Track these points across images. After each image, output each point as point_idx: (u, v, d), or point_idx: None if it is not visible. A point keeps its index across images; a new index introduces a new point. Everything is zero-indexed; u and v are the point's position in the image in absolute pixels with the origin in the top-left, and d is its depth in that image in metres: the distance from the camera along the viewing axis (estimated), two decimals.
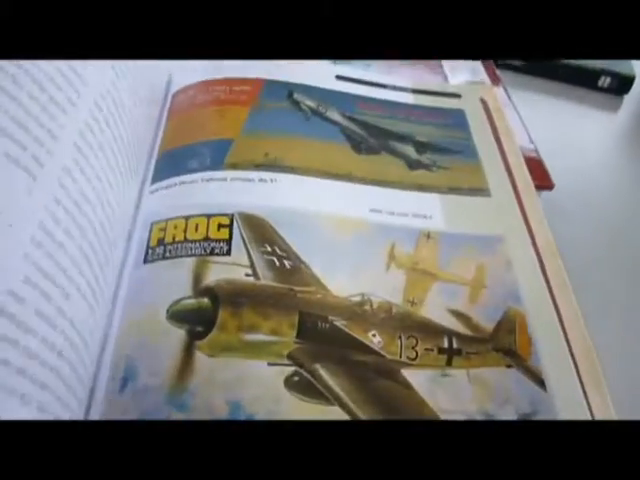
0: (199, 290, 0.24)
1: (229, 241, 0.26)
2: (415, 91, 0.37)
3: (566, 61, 0.49)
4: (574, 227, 0.35)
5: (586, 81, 0.49)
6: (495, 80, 0.43)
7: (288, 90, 0.34)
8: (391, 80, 0.37)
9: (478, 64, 0.45)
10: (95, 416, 0.21)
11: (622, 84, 0.48)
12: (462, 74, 0.44)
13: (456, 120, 0.35)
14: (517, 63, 0.50)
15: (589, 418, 0.23)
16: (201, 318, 0.23)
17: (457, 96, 0.37)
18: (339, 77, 0.36)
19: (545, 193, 0.35)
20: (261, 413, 0.21)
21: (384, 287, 0.26)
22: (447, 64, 0.45)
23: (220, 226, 0.26)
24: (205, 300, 0.23)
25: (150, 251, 0.25)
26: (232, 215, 0.27)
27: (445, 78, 0.43)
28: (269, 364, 0.23)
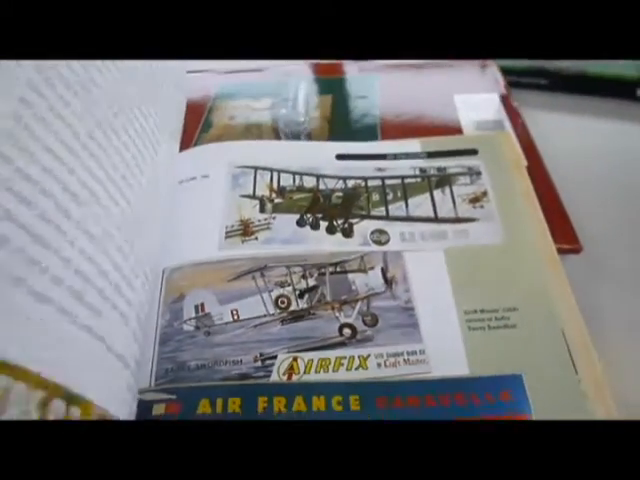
0: None
1: None
2: (430, 154, 0.36)
3: (597, 72, 0.44)
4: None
5: (622, 92, 0.44)
6: (514, 116, 0.40)
7: None
8: (400, 147, 0.36)
9: (494, 97, 0.43)
10: None
11: None
12: (475, 112, 0.42)
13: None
14: (542, 81, 0.47)
15: None
16: None
17: (474, 152, 0.36)
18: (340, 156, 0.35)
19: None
20: None
21: None
22: (458, 100, 0.43)
23: None
24: None
25: None
26: None
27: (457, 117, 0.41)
28: None
